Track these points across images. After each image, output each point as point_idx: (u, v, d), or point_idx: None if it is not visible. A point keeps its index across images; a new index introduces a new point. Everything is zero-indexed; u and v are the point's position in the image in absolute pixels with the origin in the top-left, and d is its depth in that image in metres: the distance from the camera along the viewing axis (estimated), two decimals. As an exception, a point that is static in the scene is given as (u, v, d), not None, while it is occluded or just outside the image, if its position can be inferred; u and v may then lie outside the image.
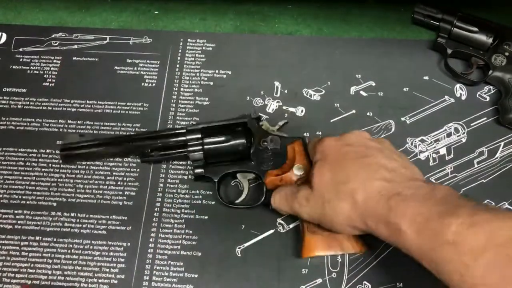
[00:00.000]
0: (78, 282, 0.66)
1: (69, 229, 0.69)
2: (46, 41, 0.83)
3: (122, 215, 0.70)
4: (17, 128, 0.76)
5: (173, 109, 0.77)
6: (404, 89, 0.78)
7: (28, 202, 0.71)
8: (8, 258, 0.68)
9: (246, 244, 0.68)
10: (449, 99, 0.77)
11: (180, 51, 0.82)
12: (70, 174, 0.73)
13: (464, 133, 0.74)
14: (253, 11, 0.87)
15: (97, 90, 0.79)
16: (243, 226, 0.69)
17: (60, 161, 0.73)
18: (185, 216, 0.70)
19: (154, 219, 0.70)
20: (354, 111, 0.76)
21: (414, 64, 0.80)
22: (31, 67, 0.81)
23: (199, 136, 0.67)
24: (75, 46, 0.83)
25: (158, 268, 0.67)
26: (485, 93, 0.77)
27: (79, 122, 0.76)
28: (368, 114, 0.76)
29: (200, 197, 0.71)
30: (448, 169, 0.72)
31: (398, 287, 0.65)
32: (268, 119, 0.75)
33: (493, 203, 0.69)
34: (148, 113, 0.77)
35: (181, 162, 0.73)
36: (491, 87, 0.78)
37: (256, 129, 0.68)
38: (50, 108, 0.77)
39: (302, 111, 0.77)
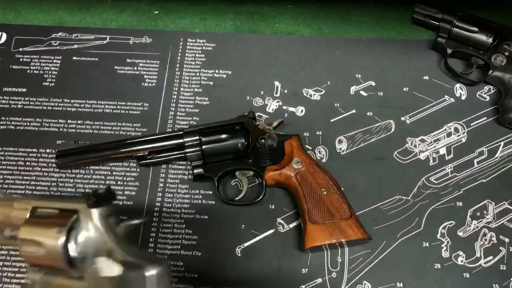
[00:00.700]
0: (78, 282, 0.66)
1: (69, 229, 0.69)
2: (46, 41, 0.83)
3: (122, 214, 0.70)
4: (17, 128, 0.76)
5: (173, 109, 0.77)
6: (404, 89, 0.78)
7: (28, 202, 0.71)
8: (8, 258, 0.68)
9: (246, 244, 0.68)
10: (449, 99, 0.77)
11: (180, 51, 0.82)
12: (70, 174, 0.73)
13: (464, 133, 0.74)
14: (253, 11, 0.87)
15: (97, 90, 0.79)
16: (243, 226, 0.69)
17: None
18: (185, 216, 0.70)
19: (154, 219, 0.70)
20: (354, 111, 0.76)
21: (414, 64, 0.80)
22: (31, 67, 0.81)
23: (197, 137, 0.68)
24: (75, 46, 0.83)
25: (158, 268, 0.67)
26: (485, 93, 0.77)
27: (79, 122, 0.76)
28: (368, 114, 0.76)
29: (200, 197, 0.71)
30: (448, 169, 0.72)
31: (398, 287, 0.65)
32: (267, 119, 0.75)
33: (493, 203, 0.69)
34: (148, 113, 0.77)
35: (181, 162, 0.73)
36: (491, 87, 0.78)
37: (253, 128, 0.69)
38: (50, 108, 0.77)
39: (302, 111, 0.77)
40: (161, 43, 0.83)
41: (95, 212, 0.46)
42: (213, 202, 0.71)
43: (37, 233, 0.45)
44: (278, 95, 0.78)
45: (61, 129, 0.76)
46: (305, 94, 0.78)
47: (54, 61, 0.81)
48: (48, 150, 0.74)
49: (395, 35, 0.83)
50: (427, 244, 0.67)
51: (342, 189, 0.66)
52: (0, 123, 0.77)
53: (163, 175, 0.73)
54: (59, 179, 0.72)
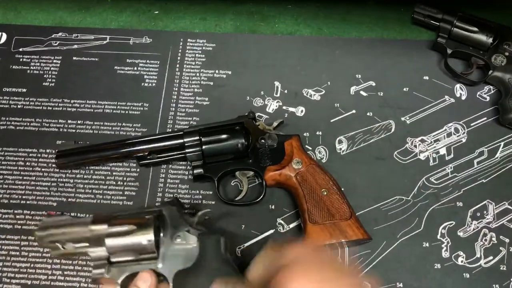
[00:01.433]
0: (78, 282, 0.66)
1: (69, 229, 0.69)
2: (46, 41, 0.83)
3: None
4: (17, 128, 0.76)
5: (173, 109, 0.77)
6: (404, 89, 0.78)
7: (28, 202, 0.71)
8: (8, 258, 0.68)
9: (246, 244, 0.68)
10: (449, 99, 0.77)
11: (180, 51, 0.82)
12: (70, 174, 0.73)
13: (464, 133, 0.74)
14: (253, 11, 0.87)
15: (97, 90, 0.79)
16: (243, 226, 0.69)
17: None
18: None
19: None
20: (354, 111, 0.76)
21: (414, 64, 0.80)
22: (31, 67, 0.81)
23: (197, 137, 0.68)
24: (75, 46, 0.83)
25: (158, 268, 0.67)
26: (485, 93, 0.77)
27: (79, 122, 0.76)
28: (368, 114, 0.76)
29: (200, 197, 0.71)
30: (448, 169, 0.72)
31: (398, 287, 0.65)
32: (268, 119, 0.75)
33: (493, 203, 0.69)
34: (148, 113, 0.77)
35: (181, 163, 0.73)
36: (491, 87, 0.78)
37: (253, 128, 0.69)
38: (50, 108, 0.77)
39: (302, 111, 0.77)
40: (161, 43, 0.83)
41: (174, 208, 0.60)
42: (213, 202, 0.71)
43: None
44: (278, 95, 0.78)
45: (61, 129, 0.76)
46: (305, 94, 0.78)
47: (54, 61, 0.81)
48: (48, 150, 0.74)
49: (395, 35, 0.83)
50: (427, 244, 0.67)
51: (342, 189, 0.66)
52: (0, 123, 0.77)
53: (163, 175, 0.72)
54: (59, 179, 0.72)
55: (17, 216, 0.70)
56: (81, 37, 0.83)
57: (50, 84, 0.80)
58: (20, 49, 0.83)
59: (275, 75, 0.79)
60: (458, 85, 0.78)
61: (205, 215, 0.61)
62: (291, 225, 0.69)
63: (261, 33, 0.85)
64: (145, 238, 0.56)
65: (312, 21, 0.86)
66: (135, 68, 0.81)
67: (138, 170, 0.73)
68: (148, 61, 0.81)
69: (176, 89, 0.79)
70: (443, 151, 0.73)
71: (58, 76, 0.80)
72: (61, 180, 0.72)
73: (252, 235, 0.68)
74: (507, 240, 0.67)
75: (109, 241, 0.56)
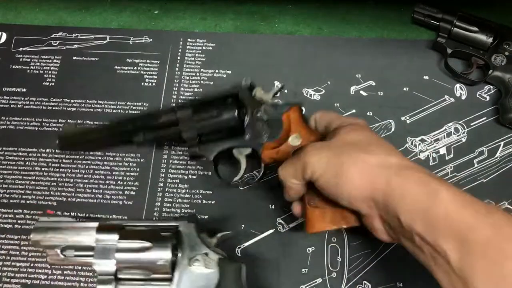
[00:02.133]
0: (78, 282, 0.66)
1: (69, 228, 0.69)
2: (46, 41, 0.83)
3: (122, 214, 0.70)
4: (17, 128, 0.76)
5: (173, 109, 0.77)
6: (404, 89, 0.78)
7: (28, 201, 0.71)
8: (8, 258, 0.68)
9: (246, 244, 0.68)
10: (449, 99, 0.77)
11: (180, 50, 0.82)
12: (70, 173, 0.73)
13: (464, 132, 0.74)
14: (253, 11, 0.87)
15: (97, 90, 0.79)
16: (243, 226, 0.69)
17: (60, 161, 0.73)
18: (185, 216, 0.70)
19: (154, 218, 0.70)
20: (354, 111, 0.76)
21: (414, 64, 0.80)
22: (31, 67, 0.81)
23: (190, 112, 0.62)
24: (75, 46, 0.83)
25: (158, 267, 0.67)
26: (485, 93, 0.77)
27: (78, 121, 0.76)
28: (368, 114, 0.76)
29: (200, 196, 0.71)
30: (448, 168, 0.72)
31: (398, 287, 0.65)
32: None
33: (493, 203, 0.69)
34: (148, 113, 0.77)
35: (180, 162, 0.73)
36: (491, 86, 0.78)
37: (248, 99, 0.61)
38: (50, 108, 0.77)
39: (301, 111, 0.76)
40: (161, 43, 0.83)
41: (192, 226, 0.56)
42: (213, 202, 0.70)
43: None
44: (278, 95, 0.78)
45: (61, 129, 0.76)
46: (305, 94, 0.78)
47: (54, 61, 0.81)
48: (48, 150, 0.74)
49: (395, 35, 0.83)
50: (427, 244, 0.67)
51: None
52: (0, 123, 0.77)
53: (163, 175, 0.72)
54: (59, 179, 0.72)
55: (17, 216, 0.70)
56: (81, 37, 0.84)
57: (50, 84, 0.80)
58: (20, 49, 0.83)
59: (275, 74, 0.79)
60: (458, 85, 0.78)
61: (225, 237, 0.59)
62: (291, 225, 0.69)
63: (261, 33, 0.85)
64: (161, 257, 0.51)
65: (312, 21, 0.86)
66: (135, 68, 0.81)
67: (138, 170, 0.73)
68: (148, 60, 0.81)
69: (176, 88, 0.79)
70: (443, 150, 0.73)
71: (58, 76, 0.80)
72: (61, 179, 0.72)
73: (252, 235, 0.68)
74: (507, 240, 0.67)
75: (120, 256, 0.52)
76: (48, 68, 0.81)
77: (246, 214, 0.69)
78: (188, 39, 0.83)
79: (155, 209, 0.70)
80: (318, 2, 0.88)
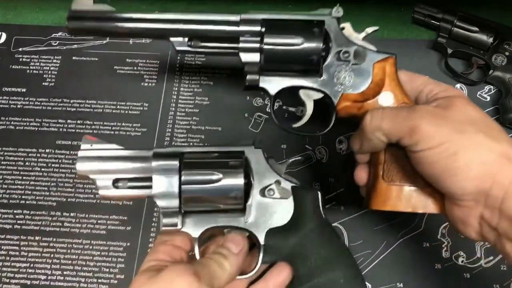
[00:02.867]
0: (78, 282, 0.66)
1: (68, 229, 0.69)
2: (46, 41, 0.83)
3: (122, 215, 0.70)
4: (17, 128, 0.76)
5: (173, 109, 0.77)
6: (404, 89, 0.77)
7: (27, 202, 0.71)
8: (8, 258, 0.67)
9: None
10: (450, 99, 0.77)
11: (180, 51, 0.82)
12: (70, 173, 0.73)
13: (464, 133, 0.74)
14: (253, 11, 0.87)
15: (97, 90, 0.79)
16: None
17: (59, 161, 0.73)
18: (185, 216, 0.70)
19: (154, 219, 0.70)
20: (354, 111, 0.76)
21: (415, 64, 0.79)
22: (31, 67, 0.81)
23: (258, 29, 0.50)
24: (75, 46, 0.83)
25: (158, 268, 0.67)
26: (485, 93, 0.77)
27: (79, 121, 0.76)
28: (368, 114, 0.76)
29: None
30: (449, 169, 0.72)
31: (398, 287, 0.65)
32: (267, 119, 0.75)
33: None
34: (147, 113, 0.77)
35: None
36: (492, 86, 0.78)
37: (335, 33, 0.51)
38: (50, 108, 0.77)
39: (302, 111, 0.76)
40: (161, 43, 0.82)
41: (259, 151, 0.50)
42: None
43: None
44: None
45: (61, 129, 0.76)
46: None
47: (53, 61, 0.81)
48: (47, 150, 0.74)
49: (395, 35, 0.83)
50: (428, 244, 0.67)
51: (342, 189, 0.66)
52: (0, 123, 0.76)
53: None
54: (58, 179, 0.72)
55: (17, 216, 0.70)
56: (81, 37, 0.83)
57: (50, 84, 0.79)
58: (20, 49, 0.83)
59: (275, 75, 0.79)
60: (458, 85, 0.78)
61: (296, 162, 0.54)
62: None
63: (261, 33, 0.84)
64: (232, 188, 0.46)
65: (312, 21, 0.86)
66: (135, 68, 0.81)
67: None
68: (148, 61, 0.81)
69: (176, 89, 0.79)
70: (443, 151, 0.73)
71: (58, 76, 0.80)
72: (61, 180, 0.72)
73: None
74: (507, 240, 0.67)
75: (185, 188, 0.46)
76: (48, 68, 0.81)
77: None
78: (188, 39, 0.83)
79: (155, 209, 0.70)
80: (318, 2, 0.87)
